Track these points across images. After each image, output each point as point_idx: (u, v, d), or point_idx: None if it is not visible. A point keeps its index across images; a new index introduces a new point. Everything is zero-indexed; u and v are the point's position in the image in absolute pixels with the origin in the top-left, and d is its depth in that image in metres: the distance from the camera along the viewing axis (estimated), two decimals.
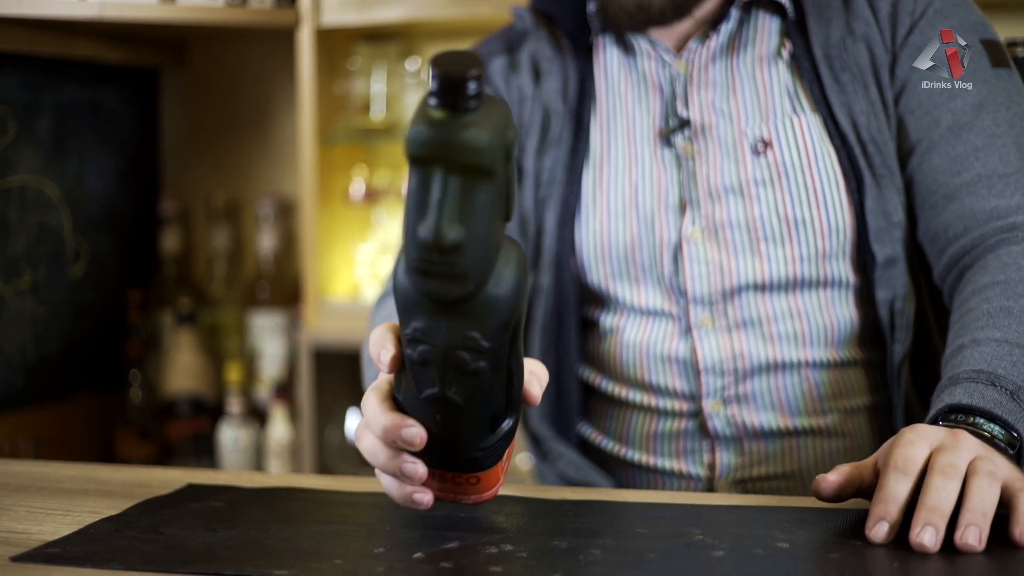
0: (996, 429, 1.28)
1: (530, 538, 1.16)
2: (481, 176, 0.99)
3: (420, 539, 1.16)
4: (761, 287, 1.61)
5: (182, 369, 2.97)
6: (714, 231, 1.61)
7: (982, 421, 1.28)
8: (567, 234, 1.67)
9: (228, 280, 3.10)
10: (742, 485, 1.61)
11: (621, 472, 1.69)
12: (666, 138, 1.66)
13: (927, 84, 1.58)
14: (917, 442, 1.21)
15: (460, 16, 2.67)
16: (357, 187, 2.90)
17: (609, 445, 1.70)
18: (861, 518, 1.18)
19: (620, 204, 1.66)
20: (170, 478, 1.45)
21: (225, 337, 3.08)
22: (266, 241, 3.05)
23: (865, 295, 1.61)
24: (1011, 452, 1.25)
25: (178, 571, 1.07)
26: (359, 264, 2.91)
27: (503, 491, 1.36)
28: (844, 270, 1.60)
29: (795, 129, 1.61)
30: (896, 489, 1.18)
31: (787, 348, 1.60)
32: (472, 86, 0.97)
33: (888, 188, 1.57)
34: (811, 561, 1.09)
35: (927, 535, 1.13)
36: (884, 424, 1.61)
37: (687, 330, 1.63)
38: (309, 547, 1.14)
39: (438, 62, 0.98)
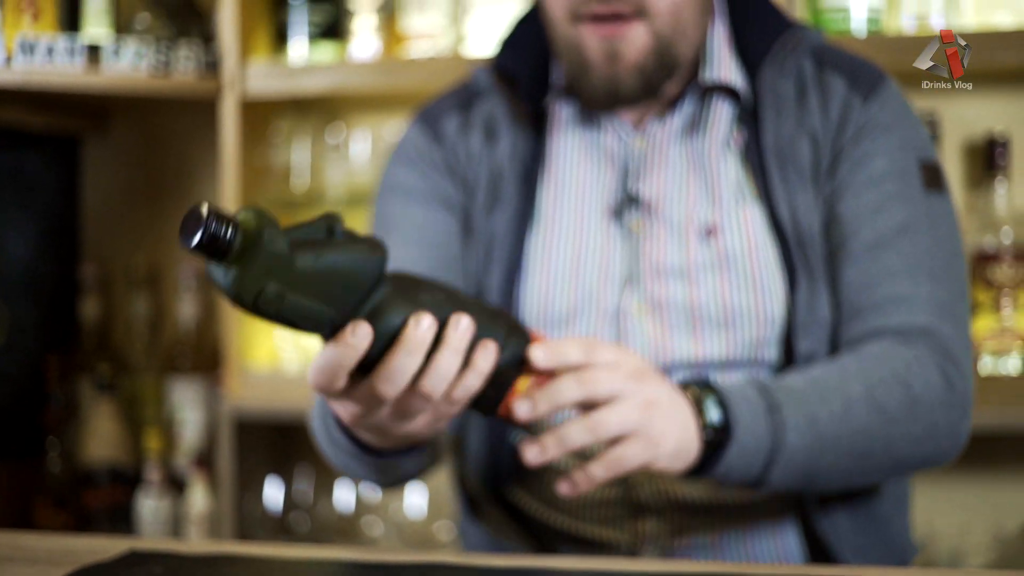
0: (714, 414, 1.39)
1: None
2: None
3: None
4: (696, 365, 1.62)
5: (101, 437, 2.95)
6: (654, 308, 1.63)
7: (710, 401, 1.40)
8: (512, 294, 1.69)
9: (148, 348, 3.08)
10: (666, 554, 1.62)
11: (547, 537, 1.70)
12: (616, 212, 1.68)
13: (858, 196, 1.61)
14: (614, 349, 1.35)
15: (384, 86, 2.69)
16: None
17: (536, 508, 1.70)
18: None
19: (563, 270, 1.67)
20: (95, 546, 1.44)
21: (144, 405, 3.05)
22: (186, 309, 3.04)
23: None
24: (708, 438, 1.40)
25: None
26: (280, 333, 2.90)
27: (447, 558, 1.36)
28: (777, 356, 1.62)
29: (741, 219, 1.63)
30: (566, 345, 1.32)
31: None
32: (226, 232, 1.09)
33: (819, 284, 1.60)
34: None
35: (521, 406, 1.29)
36: (807, 499, 1.62)
37: None
38: None
39: (188, 241, 1.09)
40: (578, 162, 1.72)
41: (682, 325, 1.62)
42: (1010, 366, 2.38)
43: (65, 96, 2.84)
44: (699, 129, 1.68)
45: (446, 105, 1.82)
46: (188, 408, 2.98)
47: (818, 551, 1.62)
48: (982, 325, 2.40)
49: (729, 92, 1.69)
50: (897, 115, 1.65)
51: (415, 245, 1.72)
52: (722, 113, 1.69)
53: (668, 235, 1.65)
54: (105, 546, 1.43)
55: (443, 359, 1.21)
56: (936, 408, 1.52)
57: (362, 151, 2.85)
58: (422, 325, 1.19)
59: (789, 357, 1.61)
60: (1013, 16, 2.37)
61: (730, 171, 1.66)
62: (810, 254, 1.61)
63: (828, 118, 1.65)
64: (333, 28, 2.83)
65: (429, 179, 1.76)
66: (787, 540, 1.63)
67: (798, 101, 1.66)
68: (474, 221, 1.74)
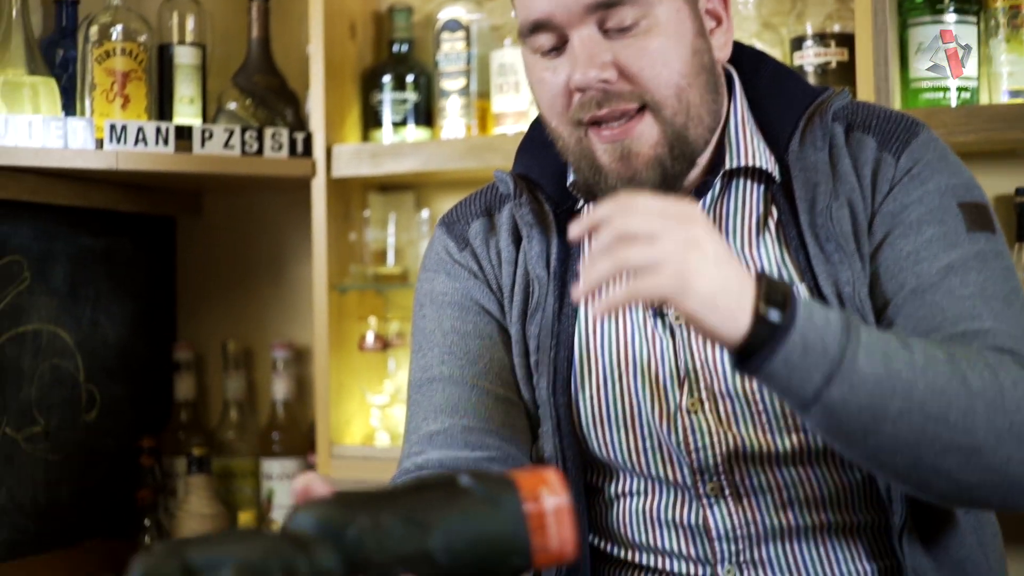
0: (779, 297, 1.32)
1: None
2: None
3: None
4: (768, 456, 1.57)
5: (195, 516, 2.95)
6: (714, 402, 1.58)
7: (780, 288, 1.33)
8: (562, 400, 1.64)
9: (241, 427, 3.09)
10: None
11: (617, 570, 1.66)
12: (657, 308, 1.62)
13: (896, 248, 1.56)
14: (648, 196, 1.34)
15: (470, 168, 2.69)
16: (370, 335, 2.91)
17: (601, 543, 1.67)
18: None
19: (613, 373, 1.62)
20: None
21: (239, 484, 3.06)
22: (280, 388, 3.05)
23: None
24: (765, 315, 1.31)
25: None
26: (372, 412, 2.92)
27: None
28: None
29: None
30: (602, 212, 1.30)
31: (800, 514, 1.58)
32: None
33: None
34: None
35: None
36: (891, 528, 1.56)
37: (696, 498, 1.60)
38: None
39: None
40: None
41: (745, 417, 1.57)
42: None
43: (157, 179, 2.86)
44: (728, 215, 1.63)
45: (469, 210, 1.78)
46: (282, 487, 2.98)
47: None
48: None
49: (757, 174, 1.64)
50: (931, 163, 1.59)
51: (456, 359, 1.69)
52: (753, 195, 1.63)
53: None
54: None
55: None
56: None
57: None
58: None
59: None
60: None
61: (769, 252, 1.61)
62: None
63: (862, 182, 1.59)
64: (422, 110, 2.85)
65: (460, 283, 1.72)
66: (865, 573, 1.59)
67: (832, 170, 1.60)
68: (511, 330, 1.69)
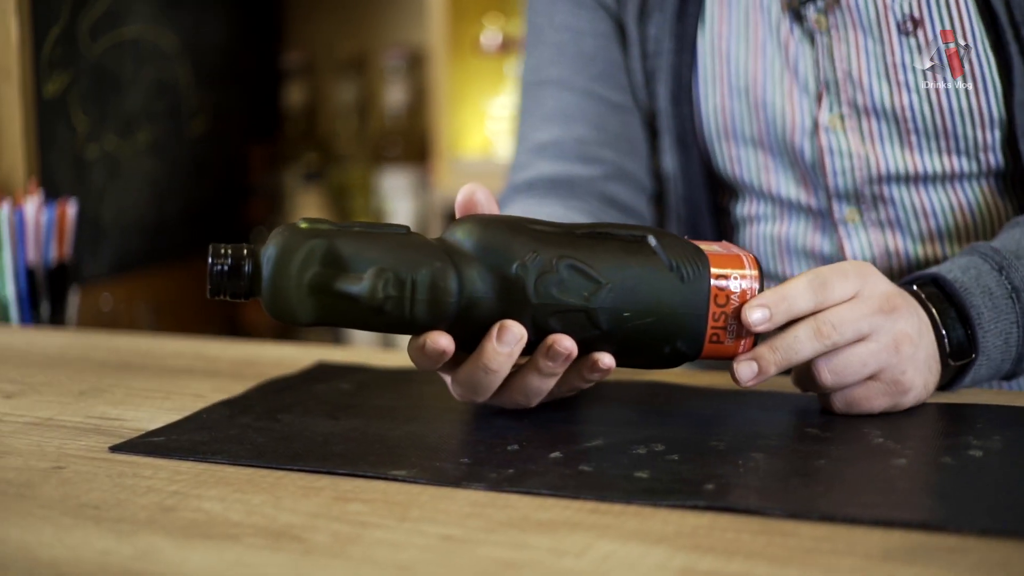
0: (959, 333, 1.16)
1: (681, 437, 1.02)
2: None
3: (561, 435, 1.04)
4: (914, 179, 1.42)
5: None
6: (856, 119, 1.42)
7: (951, 319, 1.16)
8: (684, 110, 1.50)
9: (355, 136, 2.99)
10: None
11: None
12: (795, 10, 1.45)
13: None
14: (851, 274, 1.09)
15: None
16: (490, 36, 2.78)
17: None
18: None
19: (742, 81, 1.47)
20: (283, 355, 1.35)
21: (353, 196, 2.98)
22: (395, 95, 2.93)
23: None
24: (954, 360, 1.16)
25: (288, 467, 0.96)
26: (492, 119, 2.80)
27: (664, 377, 1.22)
28: (1004, 162, 1.40)
29: (948, 5, 1.39)
30: (794, 291, 1.06)
31: (948, 245, 1.43)
32: (244, 267, 0.99)
33: None
34: (1010, 473, 0.94)
35: (744, 367, 1.05)
36: None
37: (832, 225, 1.46)
38: (435, 442, 1.03)
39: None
40: None
41: (891, 136, 1.41)
42: None
43: None
44: None
45: None
46: (398, 198, 2.91)
47: None
48: None
49: None
50: None
51: (569, 60, 1.55)
52: None
53: (862, 32, 1.41)
54: (293, 356, 1.34)
55: (531, 380, 1.04)
56: None
57: None
58: (505, 342, 1.00)
59: (1017, 163, 1.40)
60: None
61: None
62: None
63: None
64: None
65: None
66: None
67: None
68: (628, 28, 1.54)
